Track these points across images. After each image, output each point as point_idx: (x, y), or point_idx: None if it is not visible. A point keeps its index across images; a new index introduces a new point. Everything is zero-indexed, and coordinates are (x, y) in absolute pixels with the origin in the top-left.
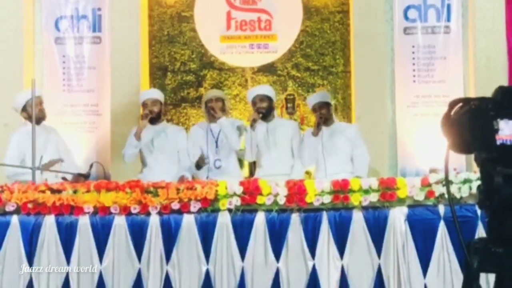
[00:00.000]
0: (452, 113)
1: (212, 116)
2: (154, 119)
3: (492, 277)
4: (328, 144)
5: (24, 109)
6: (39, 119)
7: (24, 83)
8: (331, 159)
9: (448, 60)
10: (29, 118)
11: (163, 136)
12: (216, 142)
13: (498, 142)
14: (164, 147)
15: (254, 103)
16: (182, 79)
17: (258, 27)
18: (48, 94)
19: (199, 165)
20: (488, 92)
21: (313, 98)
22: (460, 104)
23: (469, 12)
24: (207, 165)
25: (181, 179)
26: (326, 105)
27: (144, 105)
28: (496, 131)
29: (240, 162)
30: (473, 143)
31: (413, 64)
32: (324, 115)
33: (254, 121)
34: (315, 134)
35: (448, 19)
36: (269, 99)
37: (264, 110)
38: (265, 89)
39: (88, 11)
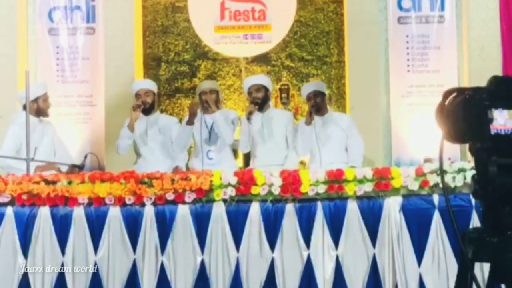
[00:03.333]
0: (446, 103)
1: (206, 108)
2: (148, 110)
3: (486, 266)
4: (321, 133)
5: (33, 101)
6: (45, 113)
7: (18, 75)
8: (325, 148)
9: (442, 49)
10: (34, 112)
11: (156, 127)
12: (209, 133)
13: (492, 132)
14: (158, 138)
15: (250, 93)
16: (176, 70)
17: (252, 17)
18: None
19: (190, 118)
20: (482, 82)
21: (308, 87)
22: (454, 94)
23: (463, 2)
24: (199, 153)
25: (176, 170)
26: (321, 94)
27: (137, 95)
28: (491, 120)
29: (235, 152)
30: (467, 132)
31: (407, 53)
32: (317, 104)
33: (250, 113)
34: (308, 122)
35: (442, 9)
36: (265, 88)
37: (260, 100)
38: (261, 78)
39: (81, 1)
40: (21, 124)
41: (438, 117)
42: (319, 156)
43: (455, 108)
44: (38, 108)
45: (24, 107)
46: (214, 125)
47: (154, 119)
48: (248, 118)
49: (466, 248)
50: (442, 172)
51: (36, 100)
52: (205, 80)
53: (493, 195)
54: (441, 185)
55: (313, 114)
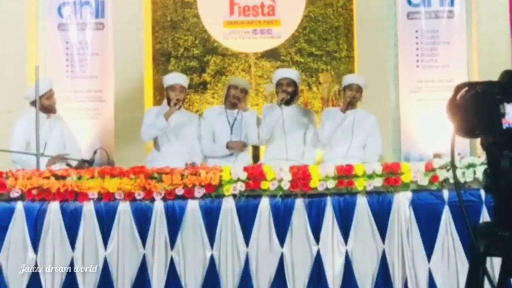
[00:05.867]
0: (458, 97)
1: (232, 104)
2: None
3: (497, 261)
4: (357, 125)
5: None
6: (52, 110)
7: (28, 70)
8: (356, 140)
9: (451, 45)
10: (40, 109)
11: (182, 124)
12: (231, 128)
13: (504, 126)
14: (181, 134)
15: (280, 84)
16: (185, 65)
17: (261, 13)
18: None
19: (231, 146)
20: (491, 77)
21: (354, 78)
22: (466, 89)
23: None
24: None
25: (190, 165)
26: (361, 90)
27: (172, 88)
28: (503, 115)
29: None
30: (479, 127)
31: (417, 49)
32: (357, 98)
33: (282, 100)
34: (344, 111)
35: (452, 4)
36: (295, 84)
37: (289, 95)
38: (293, 73)
39: None
40: (28, 119)
41: (449, 112)
42: (347, 146)
43: (467, 103)
44: (42, 106)
45: (31, 104)
46: (239, 122)
47: (180, 115)
48: (280, 105)
49: (477, 243)
50: (454, 166)
51: (40, 98)
52: (239, 77)
53: (505, 189)
54: (451, 180)
55: (350, 106)
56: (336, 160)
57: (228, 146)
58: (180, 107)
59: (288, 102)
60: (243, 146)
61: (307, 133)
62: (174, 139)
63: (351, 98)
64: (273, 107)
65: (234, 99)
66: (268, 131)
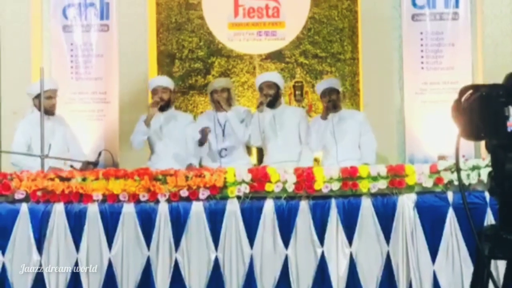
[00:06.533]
0: (463, 100)
1: (218, 107)
2: (164, 107)
3: (502, 263)
4: (338, 128)
5: (37, 97)
6: (49, 112)
7: (32, 72)
8: (341, 144)
9: (456, 46)
10: (39, 107)
11: (172, 124)
12: (223, 131)
13: (509, 129)
14: (173, 135)
15: (261, 89)
16: (190, 67)
17: (266, 14)
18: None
19: (201, 140)
20: (496, 78)
21: (323, 84)
22: (471, 91)
23: None
24: (213, 151)
25: (189, 167)
26: (336, 91)
27: (154, 91)
28: (507, 117)
29: (248, 149)
30: (483, 130)
31: (421, 50)
32: (333, 101)
33: (261, 103)
34: (324, 117)
35: (457, 5)
36: (276, 86)
37: (271, 97)
38: (273, 76)
39: None
40: (29, 121)
41: (454, 114)
42: (335, 151)
43: (472, 105)
44: (40, 105)
45: (33, 100)
46: (227, 124)
47: (169, 115)
48: (259, 108)
49: (482, 245)
50: (458, 169)
51: (38, 96)
52: (217, 78)
53: (509, 192)
54: (456, 182)
55: (330, 110)
56: (332, 165)
57: (200, 143)
58: (169, 106)
59: (272, 105)
60: (207, 130)
61: (300, 132)
62: (168, 141)
63: (327, 103)
64: (257, 112)
65: (218, 104)
66: (257, 137)
